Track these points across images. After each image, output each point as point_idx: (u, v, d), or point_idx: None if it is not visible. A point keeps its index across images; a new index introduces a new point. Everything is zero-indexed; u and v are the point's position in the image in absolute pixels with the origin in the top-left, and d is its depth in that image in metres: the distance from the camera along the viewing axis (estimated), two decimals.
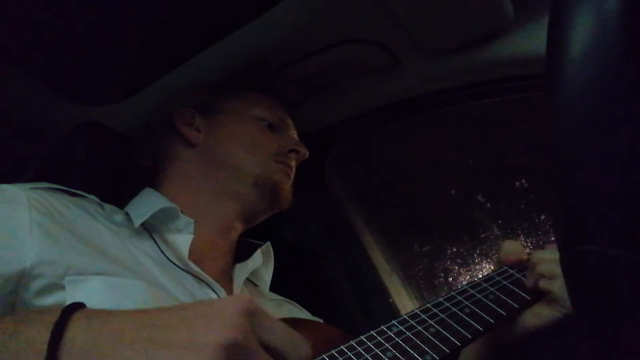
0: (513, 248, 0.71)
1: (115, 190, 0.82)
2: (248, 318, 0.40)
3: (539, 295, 0.65)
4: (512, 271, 0.69)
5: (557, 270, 0.64)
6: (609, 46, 0.34)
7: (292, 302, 0.89)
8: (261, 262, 0.86)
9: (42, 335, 0.39)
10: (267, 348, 0.41)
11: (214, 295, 0.71)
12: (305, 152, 0.88)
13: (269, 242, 0.87)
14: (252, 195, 0.81)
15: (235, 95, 0.89)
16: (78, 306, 0.42)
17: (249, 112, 0.87)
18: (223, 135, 0.84)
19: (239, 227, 0.84)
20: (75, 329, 0.39)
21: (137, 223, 0.72)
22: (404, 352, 0.52)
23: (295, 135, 0.92)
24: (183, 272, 0.71)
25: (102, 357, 0.38)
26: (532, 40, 0.82)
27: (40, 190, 0.67)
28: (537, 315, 0.64)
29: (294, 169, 0.88)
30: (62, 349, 0.38)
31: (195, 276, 0.72)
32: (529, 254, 0.71)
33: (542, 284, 0.65)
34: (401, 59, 0.92)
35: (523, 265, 0.69)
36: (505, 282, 0.66)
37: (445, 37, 0.86)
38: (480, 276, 0.69)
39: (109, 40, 0.84)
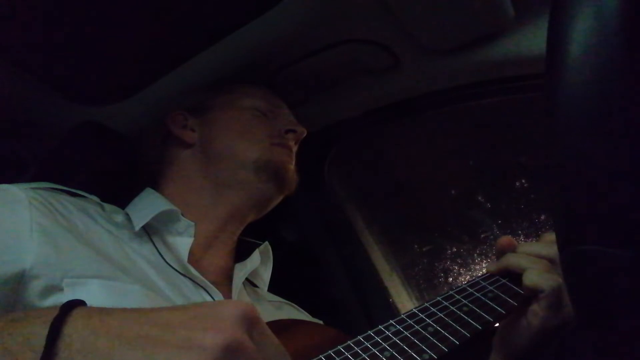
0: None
1: (115, 190, 0.82)
2: (245, 323, 0.40)
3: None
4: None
5: (525, 263, 0.64)
6: (609, 46, 0.34)
7: (291, 303, 0.89)
8: (259, 262, 0.86)
9: (40, 331, 0.39)
10: None
11: (210, 300, 0.71)
12: (302, 130, 0.87)
13: (267, 242, 0.87)
14: (256, 181, 0.81)
15: (225, 90, 0.89)
16: (77, 303, 0.42)
17: (239, 103, 0.87)
18: (217, 129, 0.84)
19: (247, 219, 0.84)
20: (74, 326, 0.39)
21: (138, 226, 0.71)
22: (401, 352, 0.52)
23: (292, 117, 0.91)
24: (181, 276, 0.71)
25: (100, 355, 0.38)
26: (532, 40, 0.82)
27: (40, 191, 0.66)
28: (534, 313, 0.63)
29: (294, 150, 0.87)
30: (60, 346, 0.38)
31: (193, 280, 0.71)
32: None
33: (524, 280, 0.64)
34: (401, 59, 0.92)
35: None
36: (504, 280, 0.66)
37: (445, 37, 0.86)
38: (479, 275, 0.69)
39: (109, 40, 0.84)
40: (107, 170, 0.96)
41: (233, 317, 0.40)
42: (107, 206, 0.75)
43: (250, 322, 0.41)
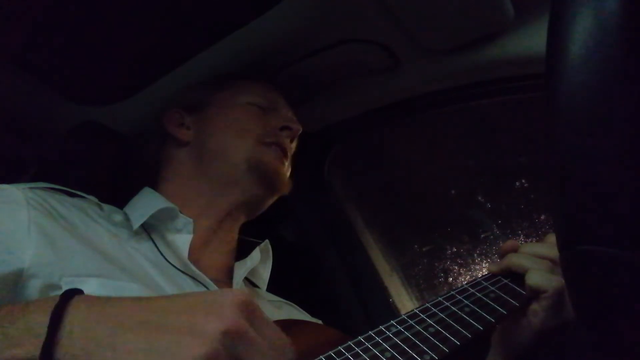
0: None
1: (114, 190, 0.82)
2: (245, 310, 0.41)
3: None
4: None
5: (528, 263, 0.64)
6: (609, 46, 0.34)
7: (291, 303, 0.89)
8: (259, 260, 0.85)
9: (41, 320, 0.39)
10: None
11: None
12: (297, 128, 0.86)
13: (267, 240, 0.87)
14: (248, 181, 0.80)
15: (222, 86, 0.88)
16: (77, 292, 0.43)
17: (236, 99, 0.86)
18: (212, 126, 0.84)
19: (241, 218, 0.83)
20: (75, 314, 0.40)
21: (136, 225, 0.71)
22: (402, 353, 0.52)
23: (290, 114, 0.89)
24: (180, 274, 0.71)
25: (102, 341, 0.38)
26: (532, 40, 0.82)
27: (39, 191, 0.67)
28: (535, 313, 0.63)
29: (288, 149, 0.86)
30: (61, 333, 0.38)
31: (194, 278, 0.71)
32: None
33: (527, 280, 0.63)
34: (401, 59, 0.92)
35: None
36: (505, 281, 0.66)
37: (445, 37, 0.86)
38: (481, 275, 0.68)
39: (109, 40, 0.84)
40: (107, 170, 0.96)
41: (233, 304, 0.40)
42: (106, 206, 0.75)
43: (249, 310, 0.41)
